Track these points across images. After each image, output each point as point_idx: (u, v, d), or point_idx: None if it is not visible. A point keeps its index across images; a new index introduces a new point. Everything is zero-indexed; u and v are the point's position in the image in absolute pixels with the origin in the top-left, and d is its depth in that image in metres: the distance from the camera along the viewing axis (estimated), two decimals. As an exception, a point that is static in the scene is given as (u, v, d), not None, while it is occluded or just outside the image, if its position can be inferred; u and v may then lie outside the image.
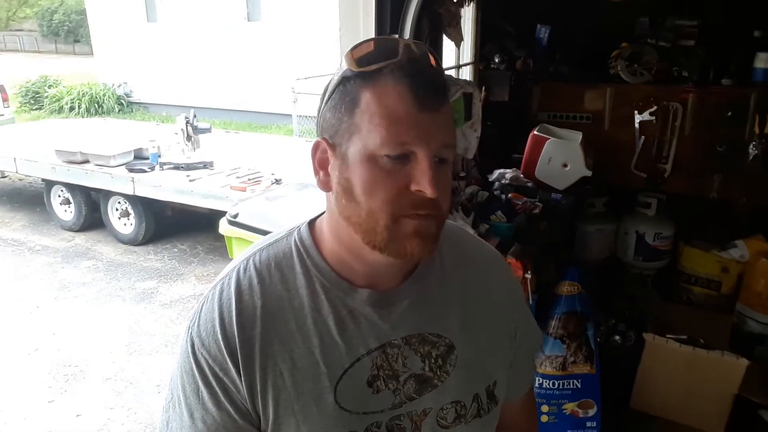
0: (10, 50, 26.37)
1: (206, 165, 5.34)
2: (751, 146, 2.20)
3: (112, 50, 13.16)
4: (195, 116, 5.54)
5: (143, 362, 3.67)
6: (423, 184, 0.66)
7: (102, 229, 5.85)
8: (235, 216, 3.76)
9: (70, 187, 5.75)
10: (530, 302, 1.76)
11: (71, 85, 13.36)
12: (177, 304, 4.44)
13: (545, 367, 1.79)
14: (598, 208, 2.52)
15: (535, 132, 2.28)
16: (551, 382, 1.79)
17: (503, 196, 2.28)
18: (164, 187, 5.02)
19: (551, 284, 1.95)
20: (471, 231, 1.60)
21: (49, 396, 3.36)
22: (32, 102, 13.44)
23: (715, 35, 2.29)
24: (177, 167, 5.27)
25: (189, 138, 5.48)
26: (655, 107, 2.34)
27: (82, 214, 5.86)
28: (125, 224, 5.59)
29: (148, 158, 5.42)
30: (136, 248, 5.54)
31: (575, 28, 2.54)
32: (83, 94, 12.72)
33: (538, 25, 2.60)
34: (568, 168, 2.19)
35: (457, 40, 1.99)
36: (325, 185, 0.72)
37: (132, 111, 13.07)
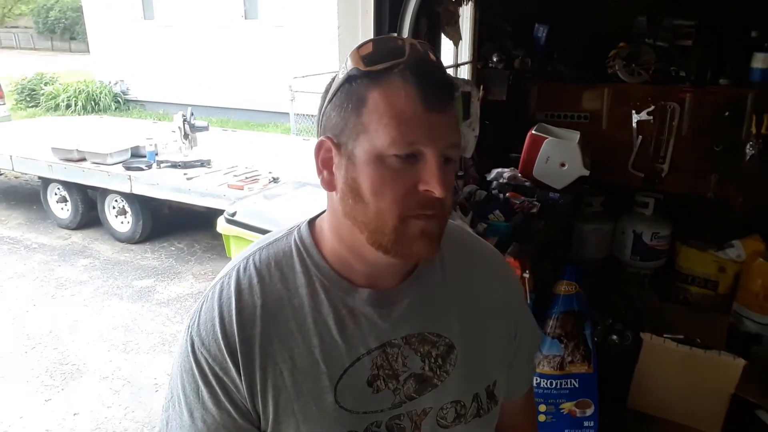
0: (5, 47, 26.28)
1: (203, 163, 5.34)
2: (748, 146, 2.20)
3: (108, 48, 13.12)
4: (192, 114, 5.54)
5: (140, 361, 3.67)
6: (432, 184, 0.66)
7: (99, 227, 5.84)
8: (233, 214, 3.76)
9: (67, 185, 5.74)
10: (528, 301, 1.76)
11: (67, 82, 13.32)
12: (174, 303, 4.43)
13: (543, 366, 1.80)
14: (596, 207, 2.52)
15: (533, 131, 2.28)
16: (549, 381, 1.79)
17: (501, 196, 2.28)
18: (161, 185, 5.01)
19: (549, 284, 1.96)
20: (469, 230, 1.60)
21: (46, 395, 3.35)
22: (28, 99, 13.39)
23: (712, 35, 2.29)
24: (174, 165, 5.27)
25: (186, 136, 5.47)
26: (652, 107, 2.34)
27: (79, 212, 5.85)
28: (122, 222, 5.58)
29: (145, 156, 5.41)
30: (133, 246, 5.53)
31: (573, 27, 2.54)
32: (80, 91, 12.68)
33: (536, 25, 2.60)
34: (565, 167, 2.19)
35: (456, 39, 1.99)
36: (329, 185, 0.72)
37: (129, 109, 13.04)
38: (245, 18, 11.32)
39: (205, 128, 5.79)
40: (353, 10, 1.45)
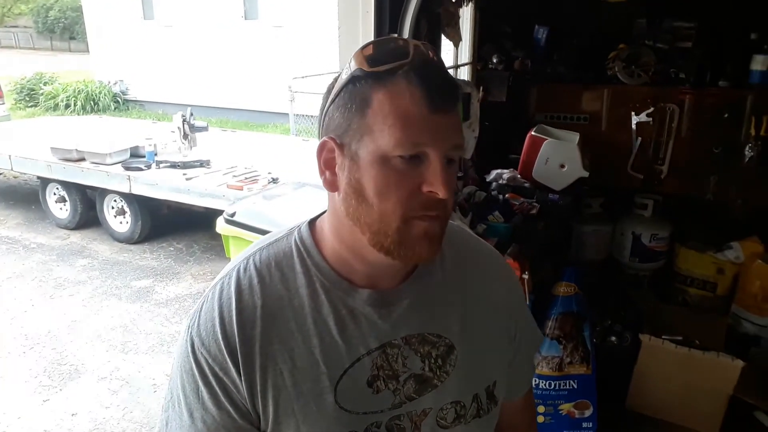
0: (5, 47, 26.26)
1: (203, 163, 5.33)
2: (747, 148, 2.21)
3: (108, 47, 13.12)
4: (192, 114, 5.53)
5: (139, 361, 3.66)
6: (436, 186, 0.66)
7: (97, 228, 5.83)
8: (233, 215, 3.76)
9: (66, 185, 5.73)
10: (527, 303, 1.76)
11: (67, 82, 13.30)
12: (173, 303, 4.43)
13: (542, 367, 1.80)
14: (595, 208, 2.53)
15: (533, 132, 2.28)
16: (547, 382, 1.80)
17: (500, 197, 2.28)
18: (161, 185, 5.00)
19: (548, 285, 1.96)
20: (469, 231, 1.60)
21: (44, 395, 3.34)
22: (27, 99, 13.38)
23: (712, 37, 2.30)
24: (173, 165, 5.26)
25: (186, 136, 5.46)
26: (652, 108, 2.35)
27: (78, 212, 5.84)
28: (121, 222, 5.57)
29: (144, 156, 5.40)
30: (132, 247, 5.52)
31: (573, 29, 2.55)
32: (79, 91, 12.67)
33: (536, 26, 2.61)
34: (565, 169, 2.20)
35: (456, 40, 2.00)
36: (332, 185, 0.72)
37: (128, 109, 13.03)
38: (245, 18, 11.32)
39: (205, 128, 5.79)
40: (354, 11, 1.45)
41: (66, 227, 5.94)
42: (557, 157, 2.20)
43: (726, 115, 2.24)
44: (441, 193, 0.66)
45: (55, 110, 12.49)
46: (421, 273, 0.79)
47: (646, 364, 1.88)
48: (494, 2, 2.49)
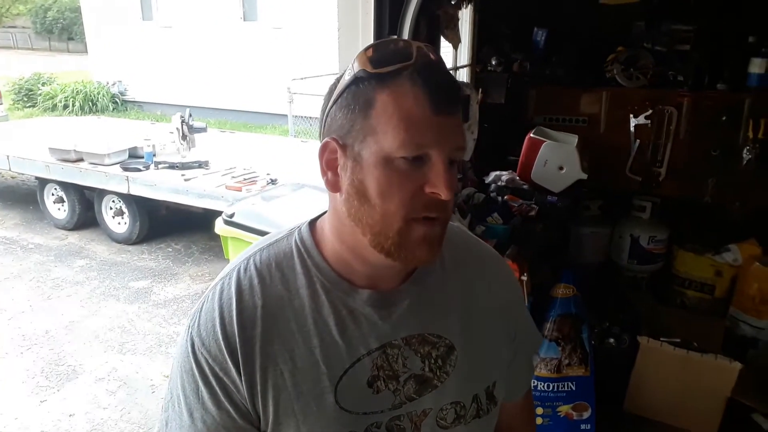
0: (3, 47, 26.20)
1: (201, 164, 5.33)
2: (744, 151, 2.22)
3: (106, 48, 13.09)
4: (190, 115, 5.53)
5: (137, 362, 3.66)
6: (439, 187, 0.66)
7: (96, 228, 5.83)
8: (231, 216, 3.75)
9: (64, 186, 5.72)
10: (526, 304, 1.76)
11: (65, 82, 13.28)
12: (171, 304, 4.42)
13: (540, 369, 1.80)
14: (593, 211, 2.53)
15: (532, 135, 2.29)
16: (546, 384, 1.80)
17: (499, 198, 2.29)
18: (159, 186, 5.00)
19: (546, 287, 1.96)
20: (469, 232, 1.61)
21: (41, 396, 3.34)
22: (25, 99, 13.35)
23: (710, 40, 2.31)
24: (172, 166, 5.25)
25: (184, 137, 5.46)
26: (650, 111, 2.35)
27: (76, 213, 5.83)
28: (119, 223, 5.57)
29: (142, 157, 5.40)
30: (130, 247, 5.52)
31: (572, 31, 2.55)
32: (77, 92, 12.64)
33: (535, 28, 2.61)
34: (563, 171, 2.20)
35: (455, 42, 2.00)
36: (334, 186, 0.72)
37: (126, 109, 13.01)
38: (244, 20, 11.32)
39: (204, 129, 5.78)
40: (354, 12, 1.46)
41: (64, 228, 5.93)
42: (556, 159, 2.20)
43: (724, 118, 2.24)
44: (444, 195, 0.66)
45: (53, 111, 12.46)
46: (422, 274, 0.79)
47: (644, 366, 1.88)
48: (493, 4, 2.49)
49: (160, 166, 5.26)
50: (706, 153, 2.30)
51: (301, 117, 8.52)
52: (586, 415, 1.80)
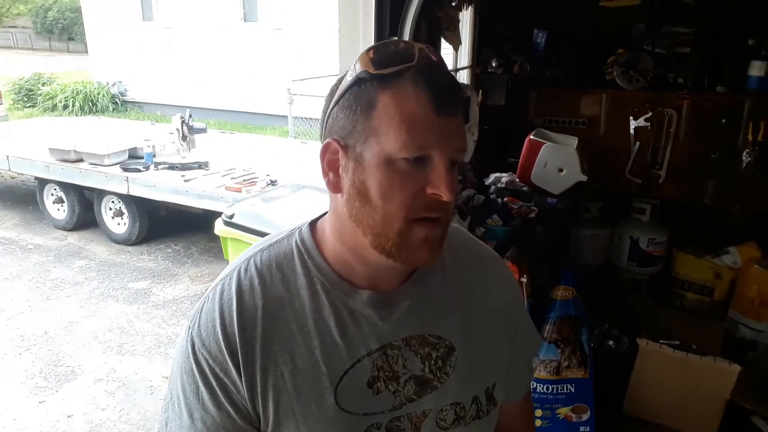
0: (3, 47, 26.21)
1: (201, 165, 5.32)
2: (744, 153, 2.22)
3: (106, 48, 13.09)
4: (190, 116, 5.52)
5: (136, 363, 3.65)
6: (441, 188, 0.66)
7: (95, 229, 5.82)
8: (231, 216, 3.75)
9: (64, 186, 5.71)
10: (526, 306, 1.77)
11: (65, 83, 13.27)
12: (170, 305, 4.42)
13: (539, 371, 1.80)
14: (593, 213, 2.54)
15: (532, 136, 2.29)
16: (545, 386, 1.80)
17: (499, 200, 2.29)
18: (159, 186, 4.99)
19: (546, 288, 1.96)
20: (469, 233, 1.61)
21: (40, 396, 3.33)
22: (25, 99, 13.34)
23: (710, 43, 2.31)
24: (172, 167, 5.25)
25: (184, 138, 5.45)
26: (650, 113, 2.36)
27: (75, 213, 5.82)
28: (119, 224, 5.56)
29: (142, 158, 5.39)
30: (130, 248, 5.51)
31: (572, 33, 2.56)
32: (77, 92, 12.64)
33: (536, 30, 2.62)
34: (563, 173, 2.21)
35: (455, 43, 2.01)
36: (335, 187, 0.72)
37: (126, 110, 13.00)
38: (244, 21, 11.32)
39: (203, 130, 5.78)
40: (354, 13, 1.46)
41: (63, 228, 5.92)
42: (556, 161, 2.21)
43: (724, 120, 2.25)
44: (445, 196, 0.66)
45: (53, 111, 12.46)
46: (422, 274, 0.79)
47: (643, 368, 1.88)
48: (494, 6, 2.50)
49: (159, 166, 5.26)
50: (705, 155, 2.31)
51: (301, 118, 8.53)
52: (585, 417, 1.80)
